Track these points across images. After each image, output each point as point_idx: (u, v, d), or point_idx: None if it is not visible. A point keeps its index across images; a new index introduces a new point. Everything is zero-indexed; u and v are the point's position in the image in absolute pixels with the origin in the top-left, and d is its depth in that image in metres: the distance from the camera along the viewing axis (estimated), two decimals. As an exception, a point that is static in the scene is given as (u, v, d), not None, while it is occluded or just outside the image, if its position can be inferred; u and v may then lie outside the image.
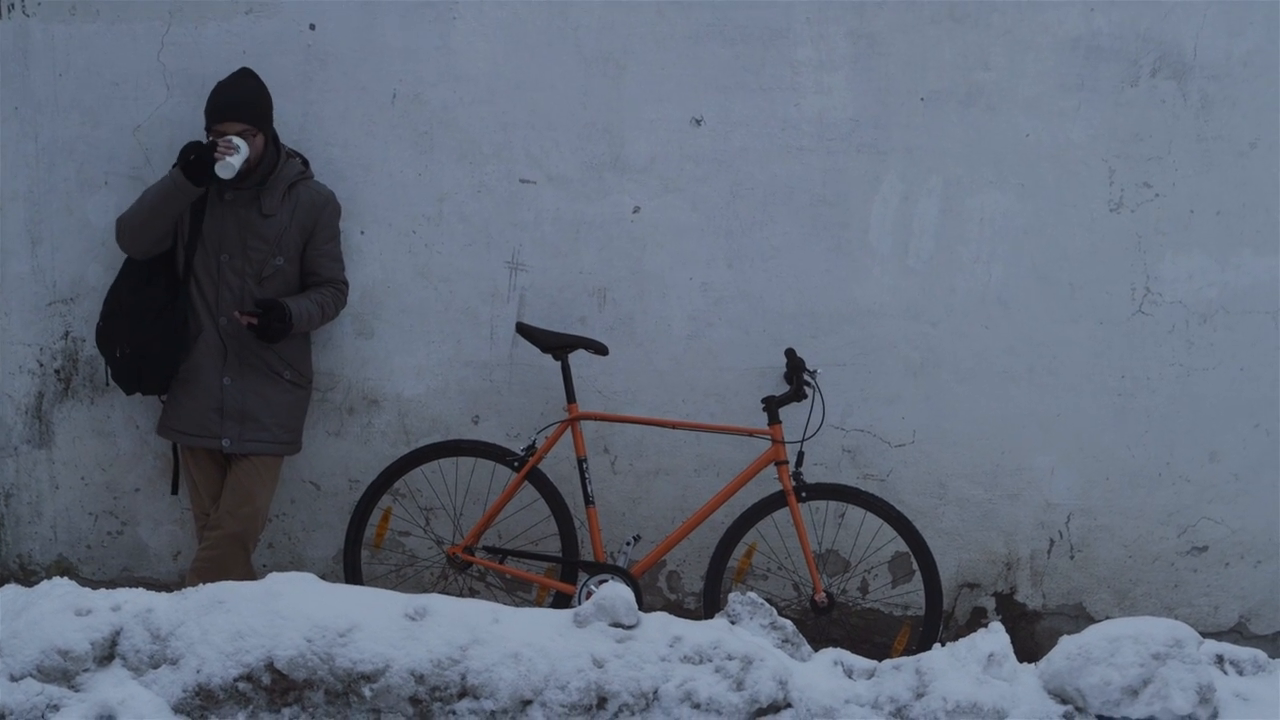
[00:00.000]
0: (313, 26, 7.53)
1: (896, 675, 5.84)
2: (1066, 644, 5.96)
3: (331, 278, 7.34)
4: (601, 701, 5.60)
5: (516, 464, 7.39)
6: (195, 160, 6.98)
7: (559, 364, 7.38)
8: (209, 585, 5.99)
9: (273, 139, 7.21)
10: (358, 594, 5.98)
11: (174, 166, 7.07)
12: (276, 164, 7.20)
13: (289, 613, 5.69)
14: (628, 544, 7.38)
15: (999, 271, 7.55)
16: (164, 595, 5.95)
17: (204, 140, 7.13)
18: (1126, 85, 7.43)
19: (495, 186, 7.58)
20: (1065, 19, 7.41)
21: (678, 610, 7.50)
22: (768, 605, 6.26)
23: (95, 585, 6.44)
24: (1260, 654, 6.27)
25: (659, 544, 7.42)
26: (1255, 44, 7.42)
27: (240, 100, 7.11)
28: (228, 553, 7.15)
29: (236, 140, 6.97)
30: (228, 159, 6.92)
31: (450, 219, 7.60)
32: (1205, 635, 6.47)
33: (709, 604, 7.26)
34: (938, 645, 6.25)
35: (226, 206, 7.16)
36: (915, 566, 7.40)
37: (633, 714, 5.59)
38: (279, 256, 7.18)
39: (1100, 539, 7.65)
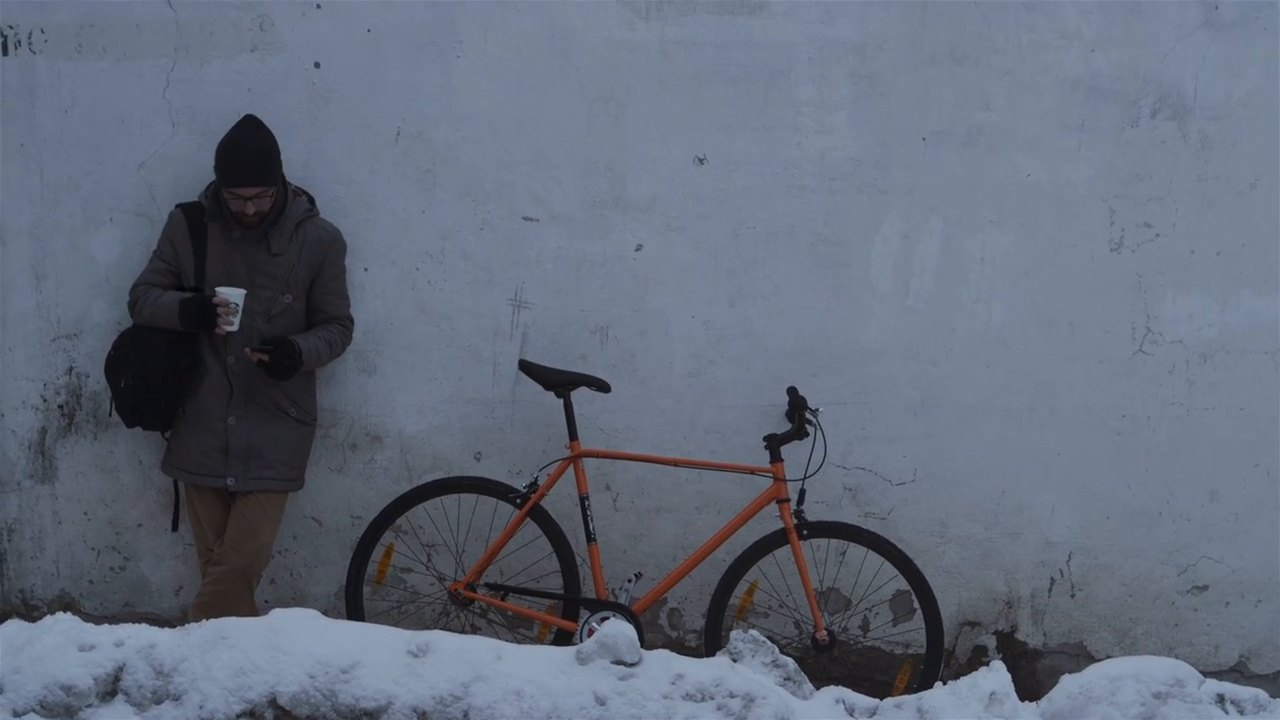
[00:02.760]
0: (317, 65, 7.56)
1: (898, 713, 5.86)
2: (1068, 683, 5.98)
3: (338, 314, 7.35)
4: (604, 739, 5.61)
5: (519, 501, 7.40)
6: (197, 317, 7.10)
7: (561, 401, 7.39)
8: (212, 621, 6.00)
9: (280, 181, 7.23)
10: (360, 630, 5.99)
11: (177, 303, 7.16)
12: (285, 204, 7.22)
13: (292, 649, 5.70)
14: (629, 581, 7.38)
15: (999, 311, 7.57)
16: (167, 631, 5.96)
17: (218, 179, 7.14)
18: (1127, 126, 7.47)
19: (498, 224, 7.60)
20: (1065, 60, 7.45)
21: (679, 648, 7.50)
22: (769, 643, 6.28)
23: (98, 621, 6.43)
24: (1261, 693, 6.28)
25: (661, 581, 7.42)
26: (1255, 85, 7.45)
27: (255, 163, 7.08)
28: (231, 588, 7.15)
29: (234, 301, 7.03)
30: (229, 319, 7.04)
31: (453, 256, 7.62)
32: (1206, 674, 6.46)
33: (710, 641, 7.26)
34: (939, 684, 6.27)
35: (234, 245, 7.18)
36: (916, 604, 7.40)
37: (635, 751, 5.60)
38: (287, 294, 7.20)
39: (1101, 578, 7.66)
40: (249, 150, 7.11)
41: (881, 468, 7.64)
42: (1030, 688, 7.37)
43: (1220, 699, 6.13)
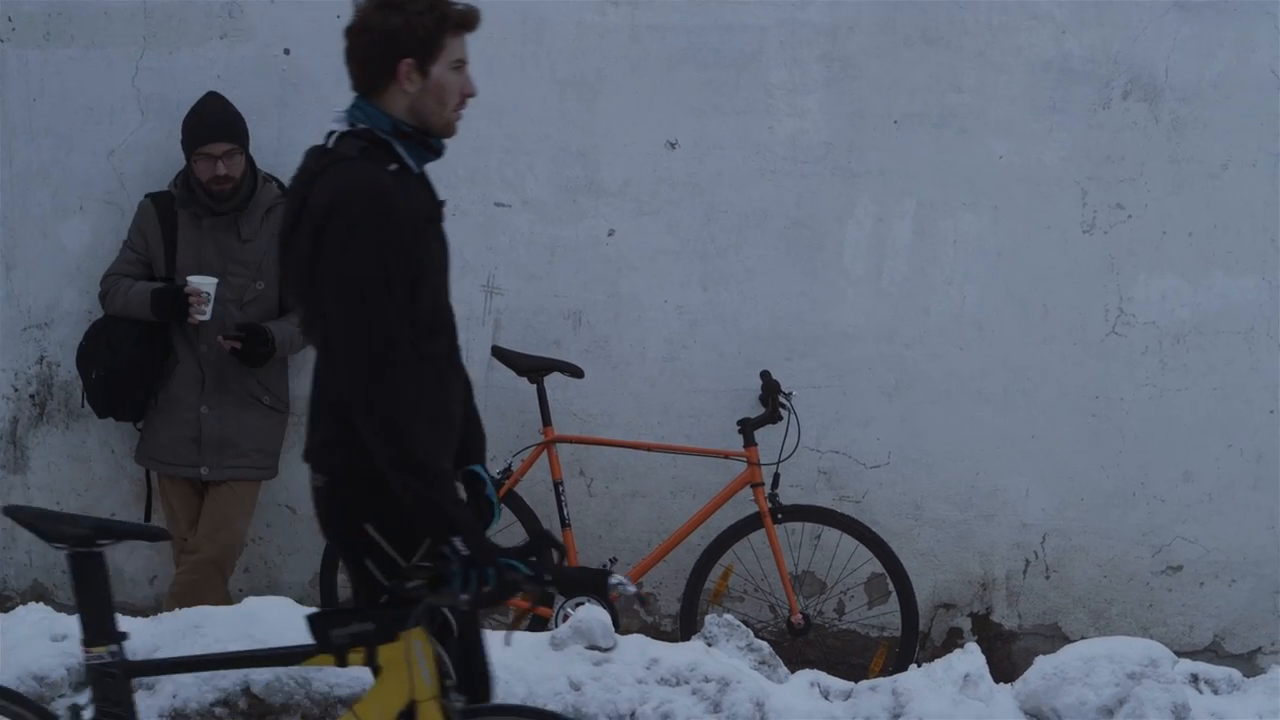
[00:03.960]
0: (287, 51, 7.54)
1: (873, 696, 5.86)
2: (1042, 664, 6.00)
3: (310, 300, 7.33)
4: (578, 724, 5.61)
5: (492, 487, 7.39)
6: (169, 308, 7.07)
7: (534, 387, 7.38)
8: (185, 610, 6.00)
9: (249, 162, 7.22)
10: (334, 618, 5.97)
11: (149, 293, 7.13)
12: (255, 188, 7.20)
13: (265, 637, 5.67)
14: (604, 567, 7.38)
15: (973, 293, 7.57)
16: (140, 620, 5.94)
17: (186, 149, 7.15)
18: (1098, 107, 7.47)
19: (470, 210, 7.58)
20: (1037, 42, 7.45)
21: (654, 633, 7.49)
22: (744, 627, 6.28)
23: (71, 611, 6.41)
24: (1235, 673, 6.30)
25: (635, 566, 7.42)
26: (1226, 66, 7.46)
27: (224, 120, 7.15)
28: (205, 578, 7.12)
29: (206, 291, 7.00)
30: (201, 308, 7.00)
31: (425, 243, 7.60)
32: (1180, 654, 6.47)
33: (686, 626, 7.26)
34: (914, 666, 6.29)
35: (205, 232, 7.16)
36: (891, 587, 7.40)
37: (610, 736, 5.60)
38: (260, 281, 7.18)
39: (1075, 559, 7.67)
40: (214, 109, 7.19)
41: (856, 451, 7.64)
42: (1005, 669, 7.37)
43: (1194, 678, 6.15)
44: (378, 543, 4.18)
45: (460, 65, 4.37)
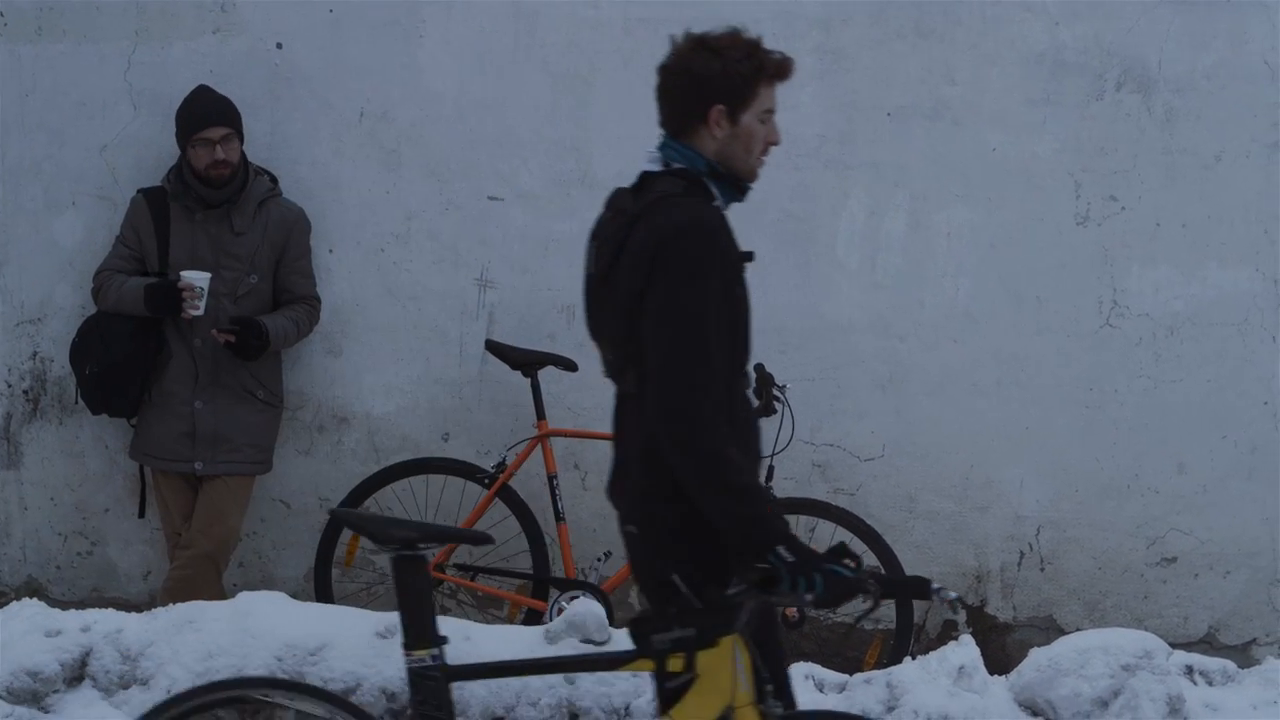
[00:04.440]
0: (280, 45, 7.53)
1: (867, 689, 5.86)
2: (1037, 656, 6.00)
3: (304, 294, 7.34)
4: (574, 718, 5.61)
5: (487, 481, 7.39)
6: (163, 303, 7.05)
7: (528, 381, 7.38)
8: (179, 605, 6.00)
9: (242, 154, 7.21)
10: (328, 612, 5.99)
11: (142, 288, 7.11)
12: (247, 180, 7.20)
13: (259, 632, 5.70)
14: (599, 560, 7.38)
15: (966, 285, 7.57)
16: (134, 615, 5.95)
17: (183, 137, 7.15)
18: (1092, 99, 7.47)
19: (463, 204, 7.58)
20: (1030, 34, 7.44)
21: (649, 626, 7.49)
22: (738, 620, 6.27)
23: (65, 606, 6.41)
24: (1229, 664, 6.31)
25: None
26: (1219, 57, 7.45)
27: (220, 106, 7.17)
28: (199, 572, 7.12)
29: (199, 285, 6.99)
30: (195, 302, 6.99)
31: (418, 237, 7.60)
32: (1175, 646, 6.47)
33: (680, 619, 7.25)
34: (909, 659, 6.27)
35: (198, 226, 7.15)
36: (886, 580, 7.40)
37: (604, 730, 5.60)
38: (253, 275, 7.18)
39: (1070, 551, 7.66)
40: (209, 96, 7.21)
41: (850, 443, 7.64)
42: (1000, 661, 7.37)
43: (1189, 670, 6.15)
44: (682, 592, 4.22)
45: (769, 115, 4.42)
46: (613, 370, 4.54)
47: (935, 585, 4.08)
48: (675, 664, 4.07)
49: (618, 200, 4.46)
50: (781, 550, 3.98)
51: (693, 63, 4.33)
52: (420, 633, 4.15)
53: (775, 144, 4.45)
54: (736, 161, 4.38)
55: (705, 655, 4.05)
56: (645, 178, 4.40)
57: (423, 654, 4.13)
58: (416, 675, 4.13)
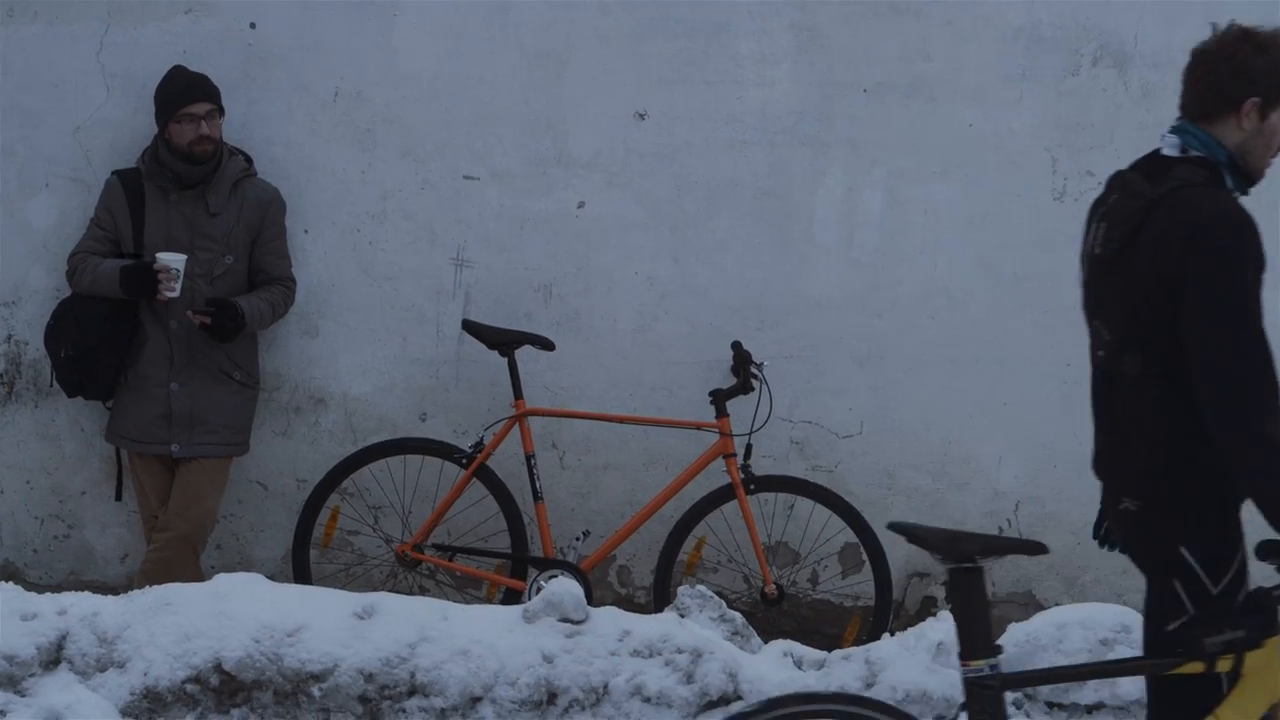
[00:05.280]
0: (253, 25, 7.50)
1: (846, 665, 5.86)
2: (1015, 631, 6.00)
3: (280, 275, 7.32)
4: (552, 697, 5.61)
5: (464, 461, 7.39)
6: (138, 285, 7.02)
7: (505, 360, 7.37)
8: (156, 588, 5.98)
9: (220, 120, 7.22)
10: (306, 594, 5.98)
11: (117, 270, 7.07)
12: (222, 160, 7.18)
13: (236, 614, 5.68)
14: (577, 539, 7.38)
15: (944, 262, 7.56)
16: (111, 598, 5.93)
17: (165, 114, 7.12)
18: (1068, 75, 7.46)
19: (439, 183, 7.56)
20: (1006, 9, 7.43)
21: (628, 605, 7.49)
22: (717, 598, 6.27)
23: (42, 590, 6.38)
24: (1207, 638, 6.30)
25: (608, 539, 7.42)
26: (1195, 32, 7.31)
27: (203, 82, 7.16)
28: (176, 555, 7.11)
29: (175, 267, 6.95)
30: (171, 284, 6.95)
31: (394, 217, 7.58)
32: (1153, 620, 6.48)
33: (659, 598, 7.26)
34: (887, 635, 6.28)
35: (172, 207, 7.13)
36: (864, 557, 7.41)
37: (583, 709, 5.60)
38: (229, 255, 7.15)
39: (1048, 526, 7.66)
40: (189, 74, 7.20)
41: (828, 421, 7.64)
42: (979, 637, 7.39)
43: (1166, 644, 6.15)
44: (1189, 566, 4.31)
45: None
46: (1110, 350, 4.54)
47: None
48: (1224, 665, 4.16)
49: (1127, 183, 4.48)
50: None
51: (1236, 53, 4.37)
52: (978, 643, 4.19)
53: None
54: (1254, 156, 4.41)
55: (1253, 655, 4.14)
56: (1158, 162, 4.43)
57: (980, 664, 4.17)
58: (973, 685, 4.17)
